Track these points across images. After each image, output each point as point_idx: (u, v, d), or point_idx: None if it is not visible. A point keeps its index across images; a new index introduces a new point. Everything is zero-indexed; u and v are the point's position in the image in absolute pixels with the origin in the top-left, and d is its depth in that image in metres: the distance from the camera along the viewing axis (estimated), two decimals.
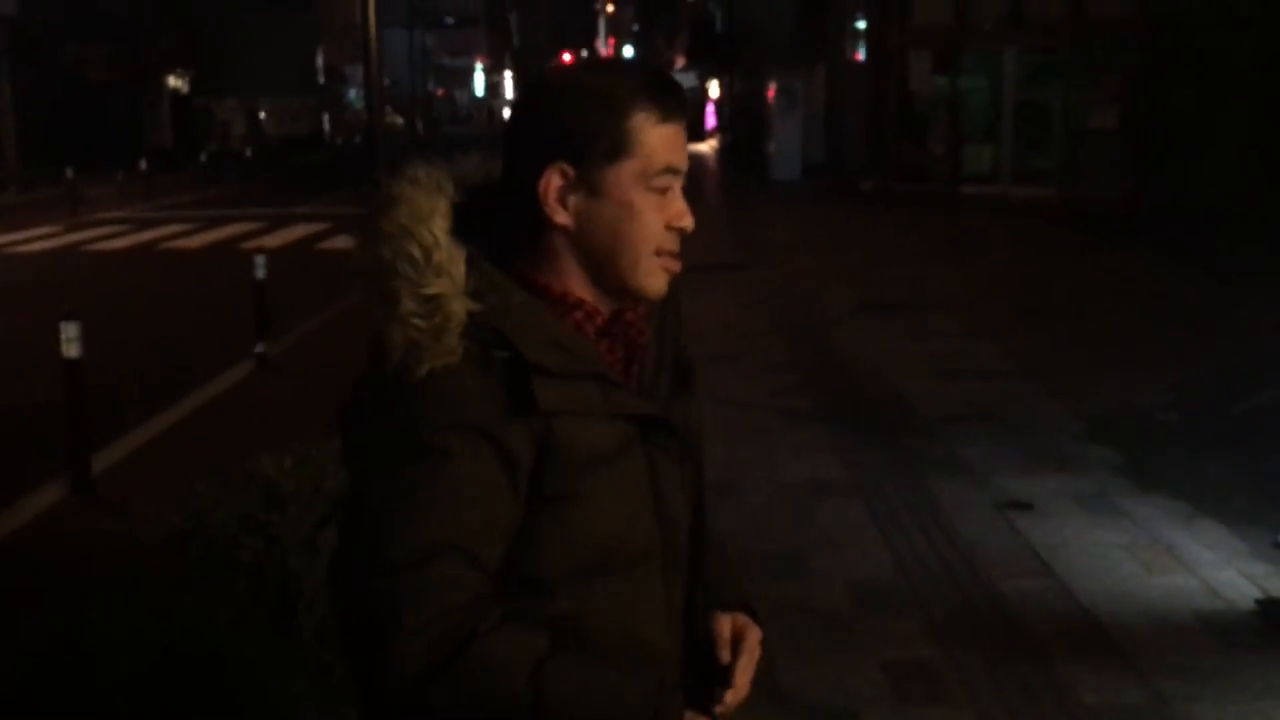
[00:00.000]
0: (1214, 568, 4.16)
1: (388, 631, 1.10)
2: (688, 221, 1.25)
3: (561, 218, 1.20)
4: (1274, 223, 10.87)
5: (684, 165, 1.24)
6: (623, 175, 1.20)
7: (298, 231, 15.91)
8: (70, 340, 5.07)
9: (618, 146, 1.19)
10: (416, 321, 1.11)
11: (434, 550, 1.11)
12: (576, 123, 1.19)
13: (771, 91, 23.25)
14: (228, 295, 8.48)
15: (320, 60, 43.42)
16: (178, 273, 12.80)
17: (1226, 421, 5.91)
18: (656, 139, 1.20)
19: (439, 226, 1.16)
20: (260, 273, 7.57)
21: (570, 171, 1.19)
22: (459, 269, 1.14)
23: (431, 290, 1.11)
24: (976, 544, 4.42)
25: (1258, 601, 3.88)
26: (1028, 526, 4.59)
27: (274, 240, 15.06)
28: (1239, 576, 4.08)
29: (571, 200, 1.20)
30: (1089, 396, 6.43)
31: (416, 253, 1.13)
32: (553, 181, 1.19)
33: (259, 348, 7.58)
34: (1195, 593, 3.98)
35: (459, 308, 1.12)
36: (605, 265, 1.22)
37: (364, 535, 1.12)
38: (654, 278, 1.23)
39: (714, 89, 41.99)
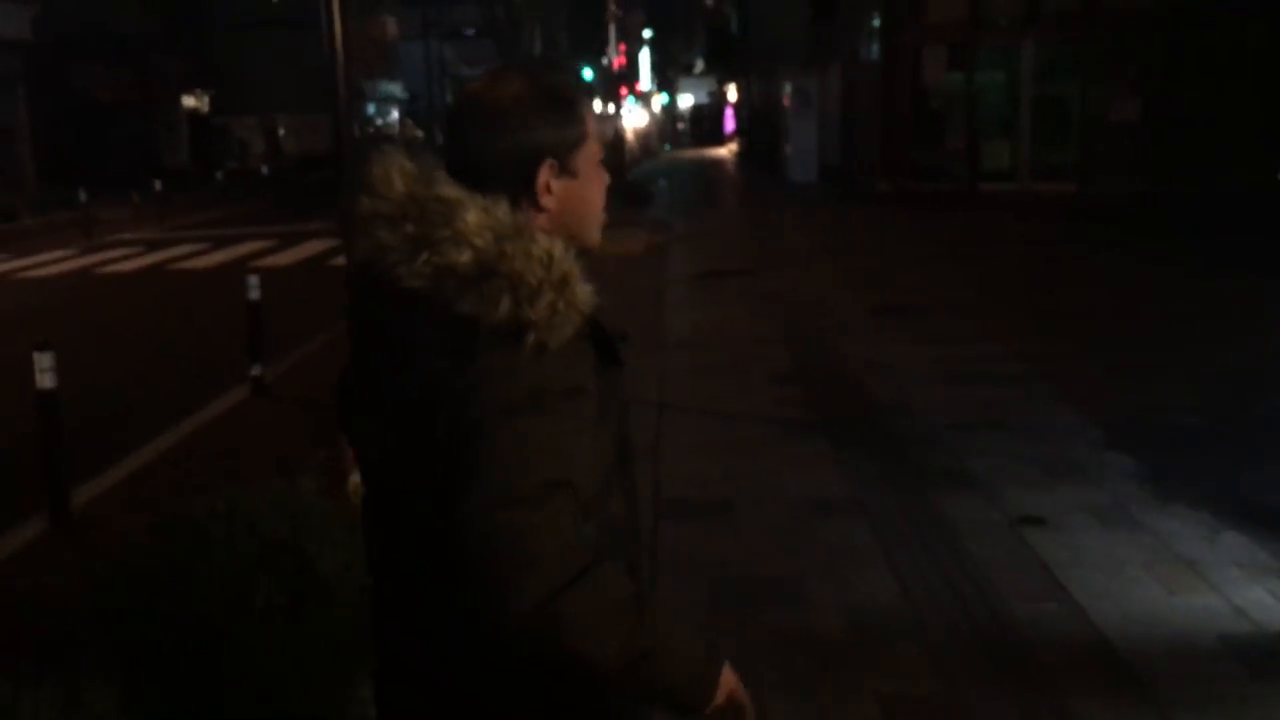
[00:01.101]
0: (1240, 586, 3.90)
1: (528, 552, 1.25)
2: (608, 179, 1.55)
3: (550, 203, 1.44)
4: None
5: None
6: (584, 156, 1.47)
7: (309, 249, 15.81)
8: (44, 371, 4.92)
9: (581, 134, 1.46)
10: (561, 308, 1.33)
11: (556, 487, 1.29)
12: (553, 123, 1.43)
13: (786, 94, 23.02)
14: (231, 317, 8.34)
15: None
16: (184, 294, 12.70)
17: (1250, 425, 5.65)
18: (594, 122, 1.49)
19: (533, 226, 1.40)
20: (254, 294, 7.40)
21: (555, 164, 1.43)
22: (573, 258, 1.37)
23: (572, 283, 1.35)
24: (986, 564, 4.19)
25: None
26: (1041, 543, 4.35)
27: (284, 258, 14.97)
28: (1268, 596, 3.82)
29: (555, 186, 1.44)
30: (1106, 401, 6.17)
31: (538, 251, 1.34)
32: (545, 175, 1.42)
33: (254, 371, 7.42)
34: (1220, 614, 3.73)
35: (586, 295, 1.36)
36: (574, 231, 1.46)
37: (493, 474, 1.27)
38: (599, 230, 1.53)
39: (732, 93, 41.76)
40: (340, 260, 13.91)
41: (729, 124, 41.83)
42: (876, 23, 19.39)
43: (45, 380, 4.95)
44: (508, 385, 1.30)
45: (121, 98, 30.53)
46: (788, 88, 23.07)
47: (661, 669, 1.35)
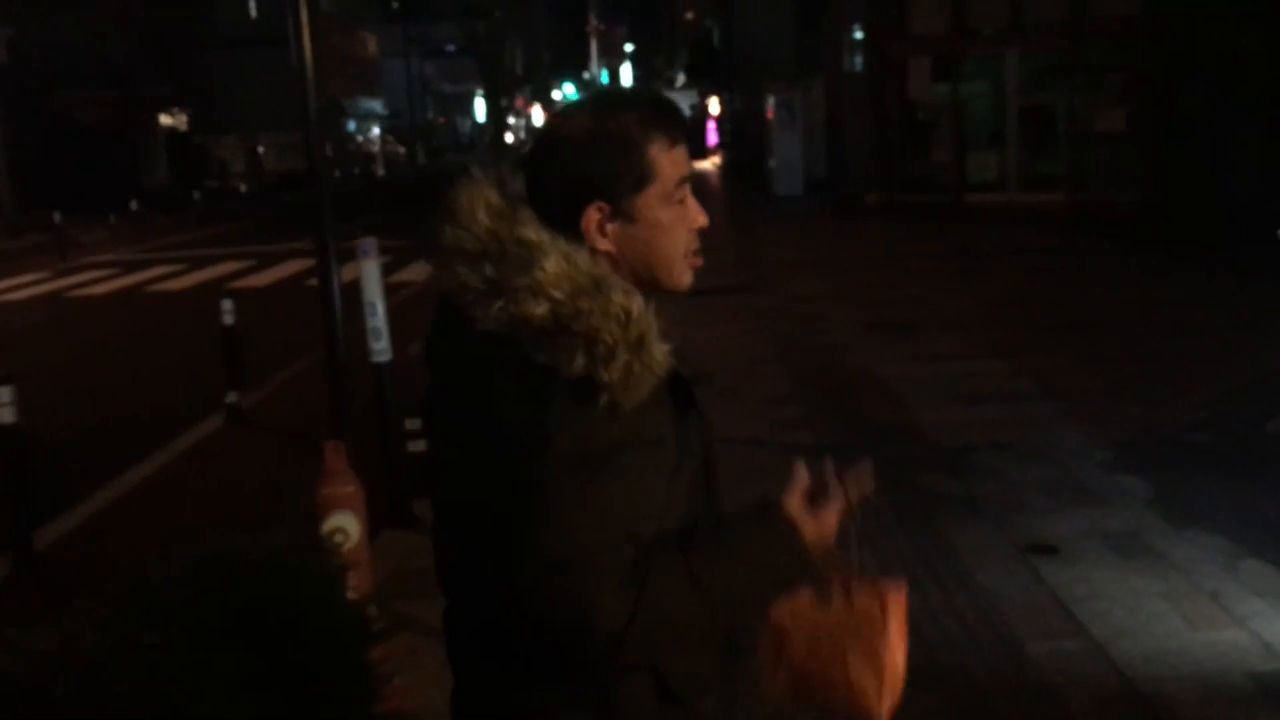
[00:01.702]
0: (1267, 619, 3.71)
1: (594, 598, 1.27)
2: (703, 220, 1.47)
3: (603, 245, 1.39)
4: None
5: (691, 172, 1.47)
6: (650, 199, 1.40)
7: (289, 268, 15.54)
8: (3, 405, 4.67)
9: (642, 177, 1.39)
10: (637, 369, 1.30)
11: (617, 544, 1.28)
12: (603, 166, 1.38)
13: (770, 107, 22.92)
14: (207, 340, 8.07)
15: None
16: (159, 317, 12.43)
17: (1262, 441, 5.48)
18: (668, 162, 1.41)
19: (613, 278, 1.35)
20: (228, 319, 7.15)
21: (606, 207, 1.39)
22: (651, 316, 1.33)
23: (648, 343, 1.32)
24: (998, 598, 3.99)
25: None
26: (1054, 574, 4.15)
27: (263, 279, 14.72)
28: None
29: (610, 228, 1.40)
30: (1112, 419, 5.99)
31: (615, 309, 1.31)
32: (592, 218, 1.39)
33: (230, 398, 7.17)
34: (1248, 650, 3.53)
35: (662, 355, 1.33)
36: (644, 276, 1.41)
37: (555, 535, 1.28)
38: (686, 276, 1.46)
39: (715, 106, 41.68)
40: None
41: (712, 137, 41.72)
42: (859, 34, 19.30)
43: (5, 415, 4.70)
44: (581, 441, 1.30)
45: (100, 119, 30.21)
46: (771, 100, 22.95)
47: (760, 595, 1.40)
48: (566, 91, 73.15)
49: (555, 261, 1.32)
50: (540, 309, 1.30)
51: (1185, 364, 7.14)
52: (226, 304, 7.21)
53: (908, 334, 8.54)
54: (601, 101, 1.45)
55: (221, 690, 2.14)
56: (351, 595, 3.20)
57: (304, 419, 6.85)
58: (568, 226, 1.38)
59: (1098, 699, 3.34)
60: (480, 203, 1.38)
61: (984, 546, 4.43)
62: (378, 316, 4.96)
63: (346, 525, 3.13)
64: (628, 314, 1.31)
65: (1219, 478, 5.04)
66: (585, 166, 1.39)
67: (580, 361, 1.29)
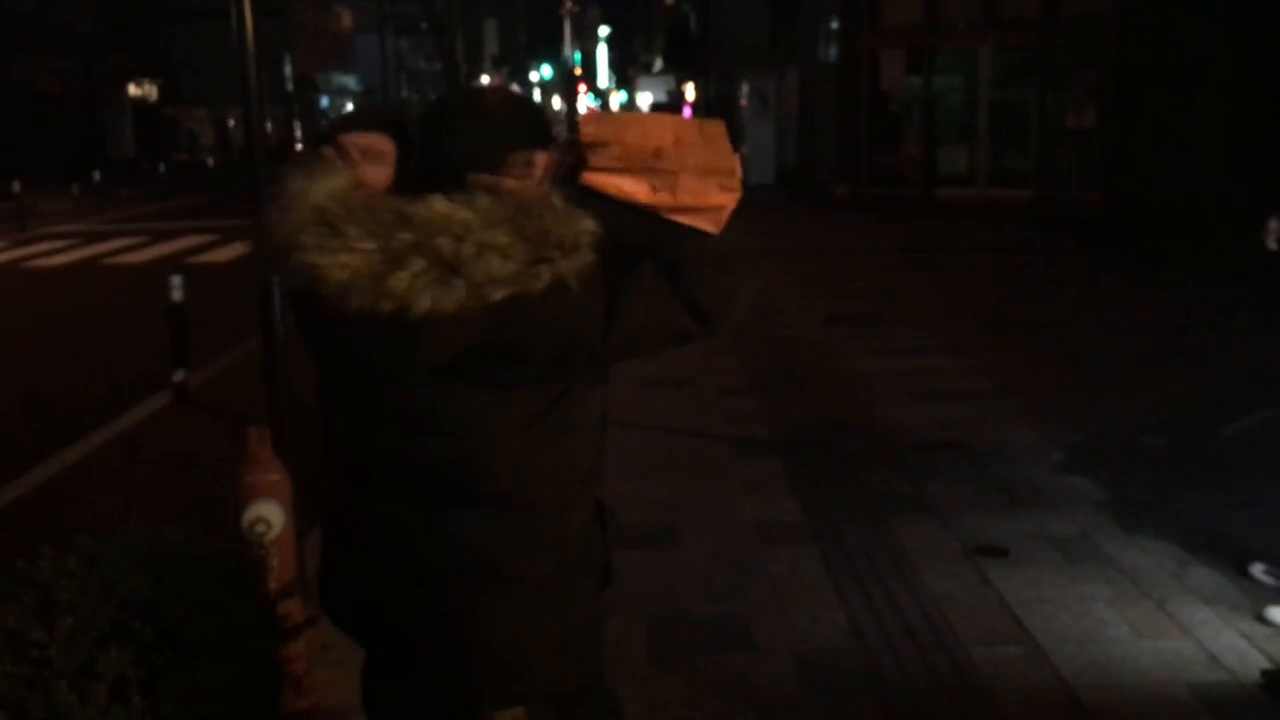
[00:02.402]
0: (1211, 628, 3.66)
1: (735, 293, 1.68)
2: None
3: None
4: (1258, 222, 10.41)
5: None
6: None
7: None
8: None
9: None
10: (581, 244, 1.49)
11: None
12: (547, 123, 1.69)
13: (743, 95, 22.82)
14: (161, 316, 7.87)
15: (289, 68, 42.46)
16: (114, 291, 12.18)
17: (1217, 446, 5.44)
18: None
19: (520, 195, 1.53)
20: (176, 294, 6.98)
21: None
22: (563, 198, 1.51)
23: (578, 219, 1.48)
24: (943, 600, 3.92)
25: (1264, 673, 3.38)
26: (1001, 577, 4.09)
27: (225, 254, 14.48)
28: (1240, 639, 3.59)
29: None
30: (1069, 419, 5.95)
31: (558, 209, 1.47)
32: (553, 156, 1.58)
33: (177, 376, 7.00)
34: (1191, 661, 3.49)
35: (592, 225, 1.49)
36: None
37: (641, 309, 1.56)
38: None
39: (690, 92, 41.48)
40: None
41: None
42: (835, 25, 19.21)
43: None
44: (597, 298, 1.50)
45: (63, 88, 29.65)
46: (745, 88, 22.85)
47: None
48: (544, 73, 72.78)
49: (473, 217, 1.43)
50: (494, 263, 1.42)
51: (1145, 365, 7.12)
52: (175, 279, 7.03)
53: (869, 328, 8.48)
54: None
55: (109, 692, 2.03)
56: (274, 587, 3.09)
57: (252, 399, 6.69)
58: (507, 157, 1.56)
59: (1037, 706, 3.28)
60: (347, 220, 1.44)
61: (932, 548, 4.36)
62: None
63: (269, 515, 3.01)
64: (555, 208, 1.45)
65: (1173, 482, 5.00)
66: (546, 121, 1.70)
67: (545, 276, 1.44)
